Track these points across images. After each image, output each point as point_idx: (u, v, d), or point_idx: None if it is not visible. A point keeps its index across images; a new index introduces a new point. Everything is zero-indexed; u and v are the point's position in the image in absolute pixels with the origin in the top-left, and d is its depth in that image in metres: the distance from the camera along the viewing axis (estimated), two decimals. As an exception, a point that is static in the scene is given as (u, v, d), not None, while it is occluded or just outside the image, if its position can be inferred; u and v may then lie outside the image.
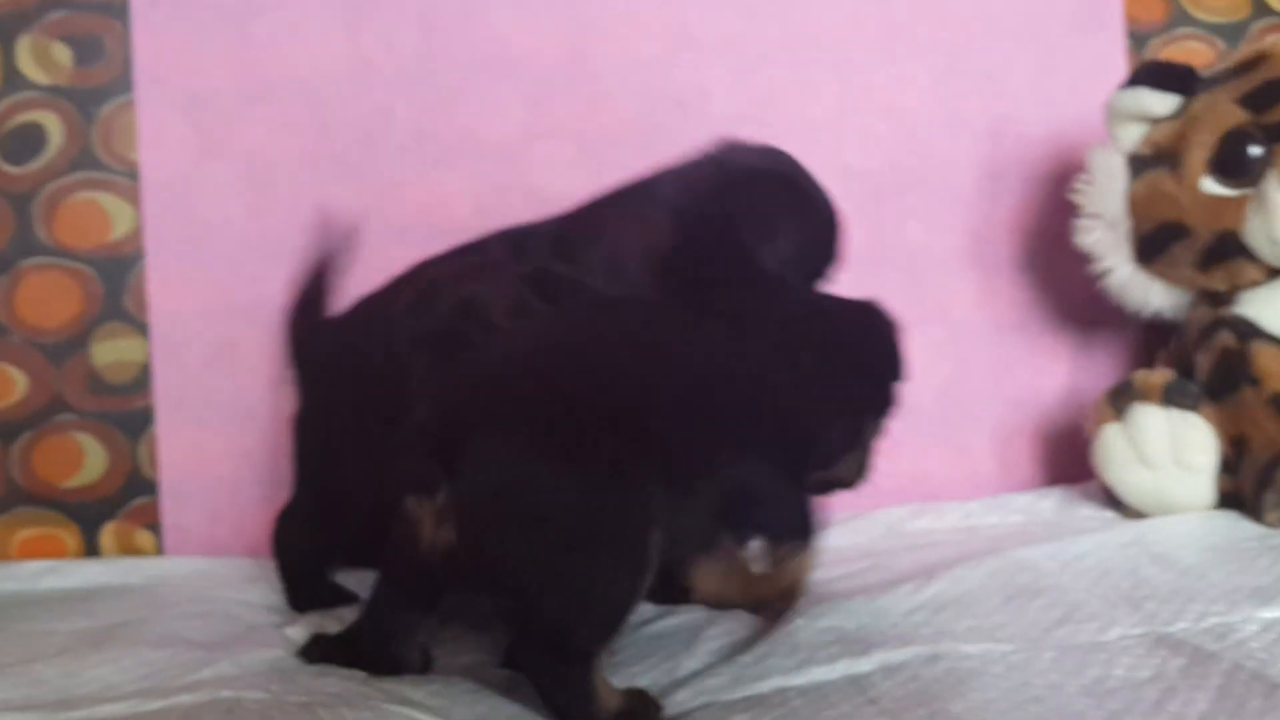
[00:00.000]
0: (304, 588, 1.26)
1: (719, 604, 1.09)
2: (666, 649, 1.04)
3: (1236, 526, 1.26)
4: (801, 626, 1.03)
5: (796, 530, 1.03)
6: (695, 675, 0.97)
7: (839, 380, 1.03)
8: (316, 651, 1.04)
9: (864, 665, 0.93)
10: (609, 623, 0.87)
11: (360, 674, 1.02)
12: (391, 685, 1.00)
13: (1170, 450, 1.33)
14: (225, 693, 0.92)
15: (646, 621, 1.13)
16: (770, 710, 0.87)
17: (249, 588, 1.34)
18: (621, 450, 0.87)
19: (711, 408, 0.95)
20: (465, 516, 0.85)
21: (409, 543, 0.88)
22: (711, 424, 0.94)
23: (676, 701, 0.92)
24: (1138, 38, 1.65)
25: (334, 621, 1.14)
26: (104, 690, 1.01)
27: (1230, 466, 1.33)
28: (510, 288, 1.09)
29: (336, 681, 0.99)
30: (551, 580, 0.85)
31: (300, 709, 0.90)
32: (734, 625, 1.08)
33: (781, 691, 0.91)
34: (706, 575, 1.07)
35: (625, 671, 0.96)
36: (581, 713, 0.87)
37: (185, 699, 0.92)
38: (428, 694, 0.99)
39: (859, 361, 1.06)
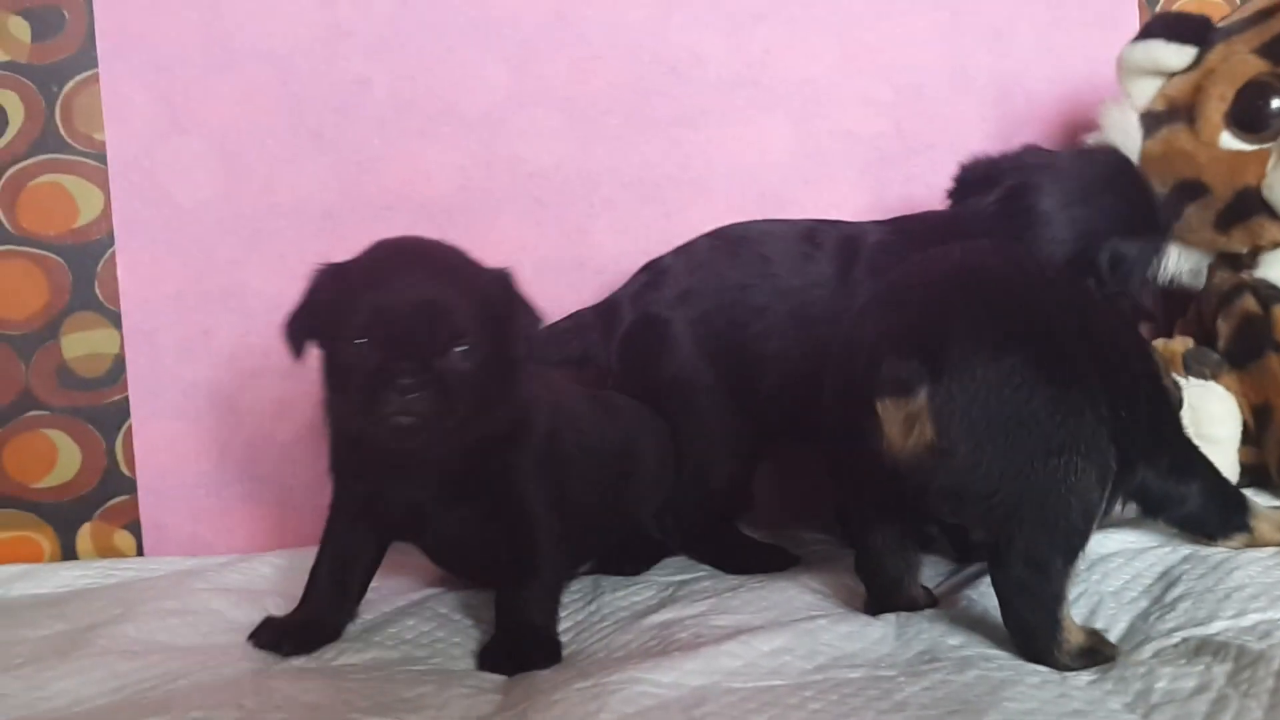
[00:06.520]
0: None
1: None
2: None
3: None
4: (824, 627, 0.99)
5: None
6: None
7: None
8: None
9: (886, 669, 0.88)
10: (1082, 530, 0.91)
11: (349, 672, 0.98)
12: (377, 690, 0.95)
13: (1191, 422, 1.27)
14: (194, 714, 0.86)
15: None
16: (790, 710, 0.82)
17: (231, 587, 1.27)
18: (1087, 370, 0.92)
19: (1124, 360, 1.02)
20: (947, 415, 0.88)
21: (876, 448, 0.90)
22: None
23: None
24: (1149, -11, 1.58)
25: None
26: (70, 705, 0.95)
27: (1252, 438, 1.28)
28: None
29: (316, 690, 0.94)
30: (1030, 484, 0.89)
31: (272, 733, 0.85)
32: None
33: (799, 688, 0.86)
34: (1267, 521, 1.12)
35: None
36: (1048, 638, 0.88)
37: (152, 722, 0.87)
38: (418, 696, 0.94)
39: None
